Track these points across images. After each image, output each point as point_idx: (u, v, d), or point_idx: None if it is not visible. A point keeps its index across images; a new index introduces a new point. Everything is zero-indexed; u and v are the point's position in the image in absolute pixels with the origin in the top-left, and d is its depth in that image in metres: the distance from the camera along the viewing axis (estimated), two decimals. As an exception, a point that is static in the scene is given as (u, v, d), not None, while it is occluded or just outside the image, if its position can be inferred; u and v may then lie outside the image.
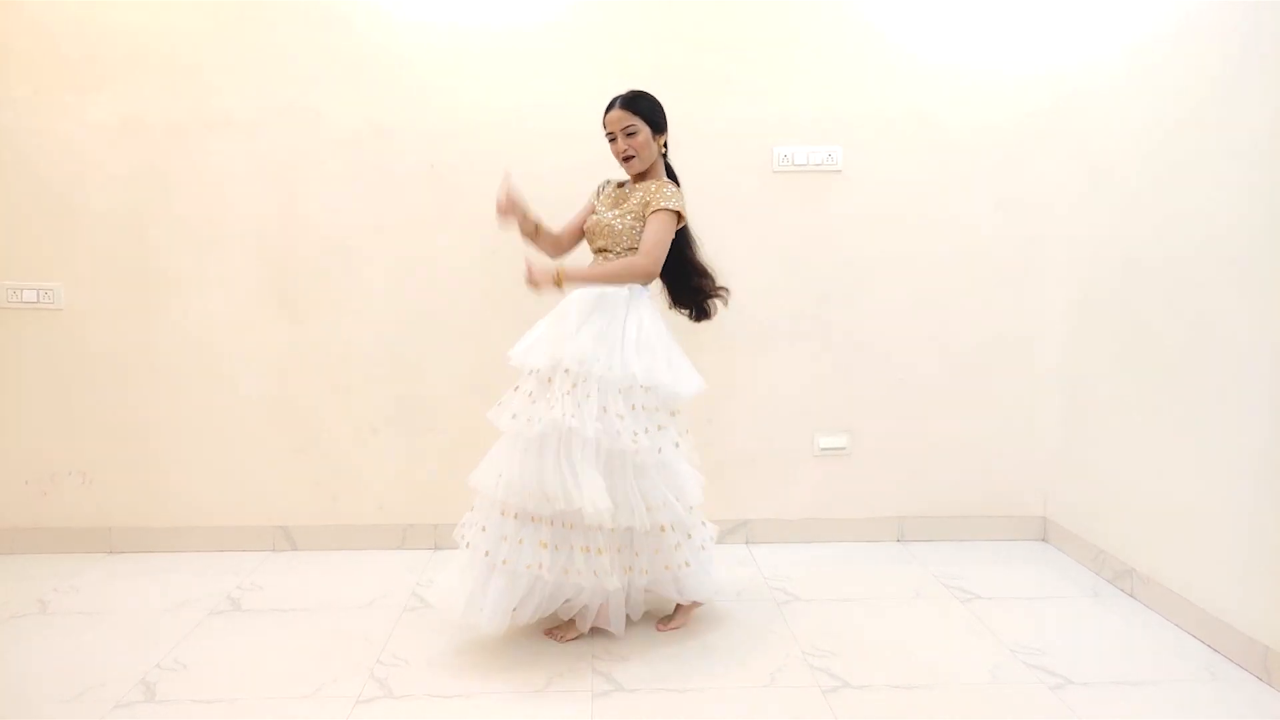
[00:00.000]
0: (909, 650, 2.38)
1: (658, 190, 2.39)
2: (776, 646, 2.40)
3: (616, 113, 2.39)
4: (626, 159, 2.42)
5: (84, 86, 2.95)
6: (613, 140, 2.42)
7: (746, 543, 3.22)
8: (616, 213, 2.42)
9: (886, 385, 3.20)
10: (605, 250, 2.43)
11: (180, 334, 3.06)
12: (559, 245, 2.56)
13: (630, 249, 2.40)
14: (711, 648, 2.39)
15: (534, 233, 2.49)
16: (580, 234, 2.56)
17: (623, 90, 2.45)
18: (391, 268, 3.08)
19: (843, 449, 3.22)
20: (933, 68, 3.07)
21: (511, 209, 2.39)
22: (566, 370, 2.26)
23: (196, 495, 3.13)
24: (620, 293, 2.37)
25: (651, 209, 2.37)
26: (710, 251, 3.09)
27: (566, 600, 2.38)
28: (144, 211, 3.01)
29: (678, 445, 2.37)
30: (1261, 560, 2.24)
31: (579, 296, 2.37)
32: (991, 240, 3.15)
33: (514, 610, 2.28)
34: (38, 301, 3.02)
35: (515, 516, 2.27)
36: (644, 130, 2.40)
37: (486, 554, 2.26)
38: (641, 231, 2.38)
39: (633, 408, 2.28)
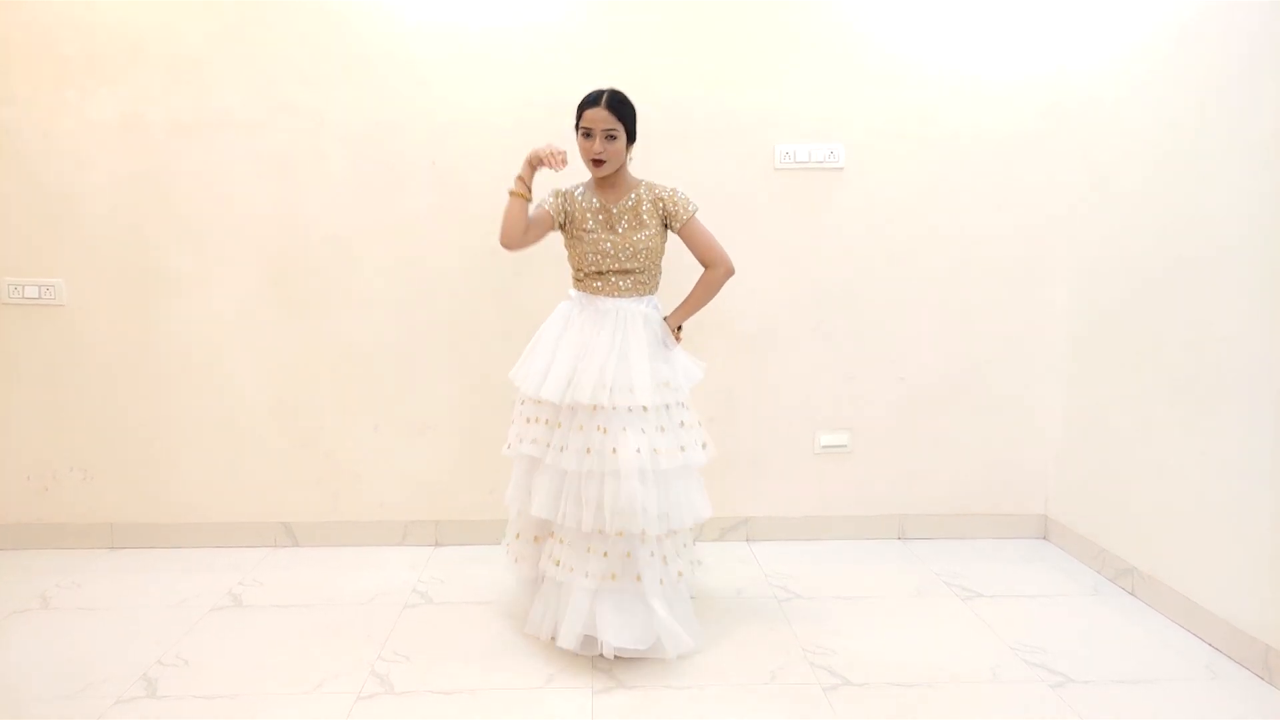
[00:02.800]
0: (909, 648, 2.38)
1: (672, 200, 2.38)
2: (777, 644, 2.41)
3: (601, 111, 2.26)
4: (598, 163, 2.29)
5: (85, 84, 2.95)
6: (587, 137, 2.28)
7: (747, 540, 3.22)
8: (644, 235, 2.35)
9: (888, 383, 3.20)
10: (632, 272, 2.37)
11: (182, 331, 3.06)
12: (526, 232, 2.35)
13: (655, 267, 2.43)
14: (712, 645, 2.40)
15: (526, 196, 2.33)
16: (539, 233, 2.39)
17: (605, 86, 2.33)
18: (392, 266, 3.08)
19: (844, 447, 3.22)
20: (935, 67, 3.07)
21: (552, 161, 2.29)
22: (647, 406, 2.28)
23: (198, 491, 3.13)
24: (642, 309, 2.38)
25: (681, 220, 2.37)
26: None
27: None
28: (145, 209, 3.01)
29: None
30: (1262, 559, 2.24)
31: (601, 320, 2.35)
32: (993, 238, 3.15)
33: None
34: (39, 298, 3.02)
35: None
36: (623, 137, 2.30)
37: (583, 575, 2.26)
38: (662, 246, 2.42)
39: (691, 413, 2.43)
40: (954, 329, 3.18)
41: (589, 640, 2.30)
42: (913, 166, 3.11)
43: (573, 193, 2.41)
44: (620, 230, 2.36)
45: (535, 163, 2.32)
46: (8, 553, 3.08)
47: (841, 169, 3.10)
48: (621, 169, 2.39)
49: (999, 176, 3.12)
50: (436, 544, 3.18)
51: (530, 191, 2.34)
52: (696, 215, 2.40)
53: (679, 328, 2.45)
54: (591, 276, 2.40)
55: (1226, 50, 2.38)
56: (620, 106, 2.29)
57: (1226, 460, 2.36)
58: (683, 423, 2.37)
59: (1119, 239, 2.85)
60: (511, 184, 2.33)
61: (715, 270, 2.40)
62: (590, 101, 2.29)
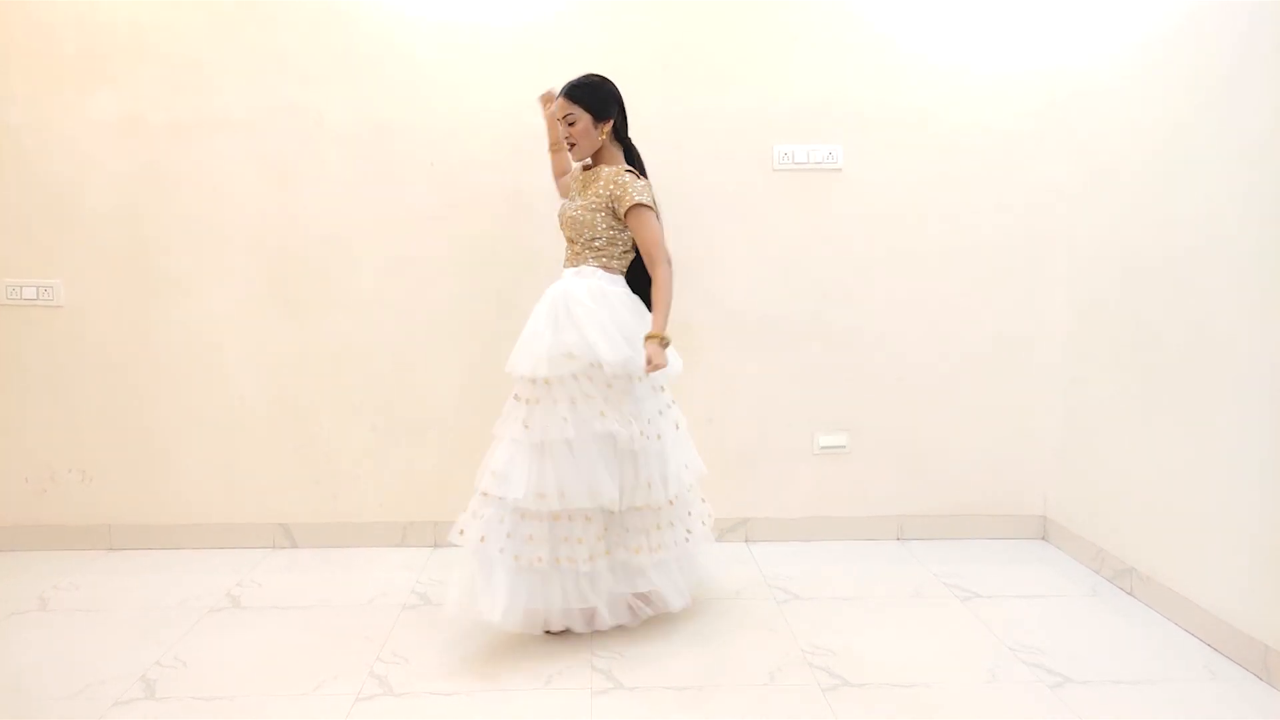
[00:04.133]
0: (908, 649, 2.38)
1: (619, 181, 2.38)
2: (776, 645, 2.40)
3: (559, 100, 2.41)
4: (571, 145, 2.45)
5: (85, 84, 2.95)
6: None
7: (746, 541, 3.22)
8: (580, 204, 2.44)
9: (886, 384, 3.20)
10: (572, 241, 2.48)
11: (180, 331, 3.06)
12: (561, 169, 2.70)
13: (594, 240, 2.41)
14: (711, 646, 2.40)
15: (557, 146, 2.65)
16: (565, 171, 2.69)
17: (573, 78, 2.44)
18: (391, 266, 3.07)
19: (842, 447, 3.22)
20: (934, 66, 3.07)
21: (552, 100, 2.50)
22: (608, 379, 2.33)
23: (196, 492, 3.13)
24: (611, 287, 2.41)
25: (625, 206, 2.36)
26: (710, 249, 3.11)
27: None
28: (144, 209, 3.01)
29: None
30: (1261, 559, 2.24)
31: (571, 296, 2.37)
32: (992, 239, 3.15)
33: (532, 609, 2.32)
34: (37, 299, 3.02)
35: (530, 517, 2.31)
36: (583, 118, 2.38)
37: (501, 551, 2.28)
38: (603, 223, 2.40)
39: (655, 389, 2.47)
40: (953, 329, 3.18)
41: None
42: (911, 167, 3.11)
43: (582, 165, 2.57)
44: (574, 198, 2.49)
45: (548, 99, 2.60)
46: (6, 554, 3.07)
47: (840, 169, 3.10)
48: (605, 150, 2.46)
49: (998, 175, 3.12)
50: (435, 545, 3.17)
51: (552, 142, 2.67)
52: (645, 209, 2.36)
53: (661, 338, 2.30)
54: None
55: (1223, 45, 2.38)
56: (572, 91, 2.40)
57: (1226, 460, 2.36)
58: (586, 396, 2.33)
59: (1117, 237, 2.85)
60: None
61: (655, 269, 2.38)
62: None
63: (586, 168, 2.52)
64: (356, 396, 3.12)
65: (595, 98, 2.40)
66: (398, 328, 3.10)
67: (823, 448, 3.21)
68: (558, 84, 2.47)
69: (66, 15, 2.92)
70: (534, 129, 3.00)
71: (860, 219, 3.13)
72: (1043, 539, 3.27)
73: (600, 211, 2.40)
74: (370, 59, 2.99)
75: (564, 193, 2.63)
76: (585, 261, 2.44)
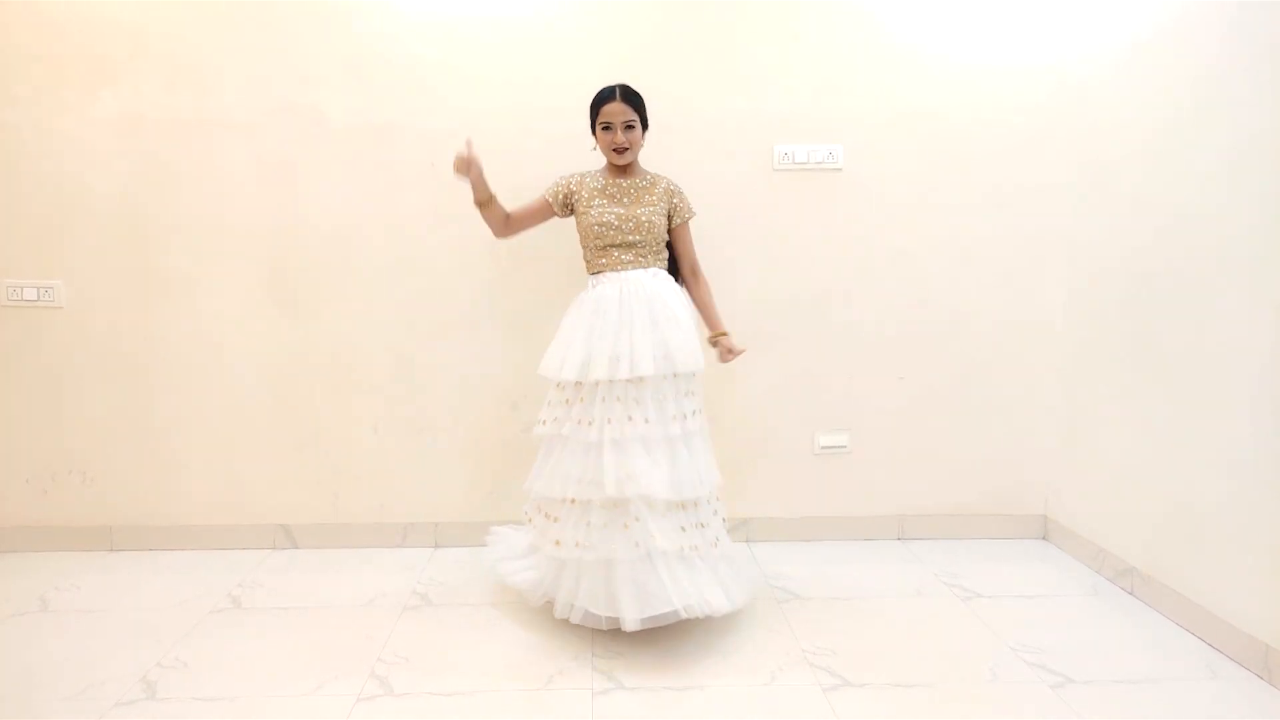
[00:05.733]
0: (909, 648, 2.38)
1: (678, 192, 2.58)
2: (777, 645, 2.41)
3: (619, 105, 2.44)
4: (621, 151, 2.48)
5: (85, 84, 2.95)
6: (607, 130, 2.46)
7: (747, 541, 3.22)
8: (646, 210, 2.49)
9: (887, 383, 3.20)
10: (635, 246, 2.48)
11: (181, 332, 3.06)
12: (508, 224, 2.57)
13: (657, 244, 2.53)
14: (712, 646, 2.40)
15: (487, 202, 2.50)
16: (532, 221, 2.59)
17: (617, 83, 2.52)
18: (392, 266, 3.07)
19: (843, 447, 3.22)
20: (933, 67, 3.07)
21: (469, 168, 2.40)
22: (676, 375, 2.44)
23: (197, 493, 3.13)
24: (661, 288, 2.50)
25: (684, 217, 2.58)
26: (711, 249, 3.10)
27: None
28: (145, 209, 3.01)
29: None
30: (1262, 558, 2.24)
31: (623, 300, 2.44)
32: (992, 238, 3.15)
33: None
34: (38, 299, 3.02)
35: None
36: (638, 126, 2.49)
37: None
38: (661, 229, 2.53)
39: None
40: (953, 329, 3.18)
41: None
42: (912, 167, 3.11)
43: (584, 176, 2.56)
44: (625, 204, 2.50)
45: (461, 170, 2.42)
46: (7, 555, 3.08)
47: (840, 169, 3.10)
48: (636, 157, 2.56)
49: (998, 176, 3.12)
50: (436, 545, 3.18)
51: (486, 197, 2.49)
52: (689, 223, 2.59)
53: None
54: (597, 253, 2.51)
55: (1223, 41, 2.38)
56: (634, 98, 2.48)
57: (1226, 460, 2.36)
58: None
59: (1118, 238, 2.85)
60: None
61: (700, 274, 2.65)
62: (605, 98, 2.47)
63: (615, 174, 2.54)
64: (357, 397, 3.12)
65: (645, 106, 2.51)
66: (398, 328, 3.10)
67: (823, 447, 3.21)
68: (472, 139, 2.45)
69: (67, 15, 2.92)
70: (534, 128, 3.01)
71: (860, 218, 3.13)
72: (1043, 538, 3.27)
73: (661, 217, 2.53)
74: (370, 59, 2.99)
75: (509, 233, 2.59)
76: (653, 264, 2.53)
